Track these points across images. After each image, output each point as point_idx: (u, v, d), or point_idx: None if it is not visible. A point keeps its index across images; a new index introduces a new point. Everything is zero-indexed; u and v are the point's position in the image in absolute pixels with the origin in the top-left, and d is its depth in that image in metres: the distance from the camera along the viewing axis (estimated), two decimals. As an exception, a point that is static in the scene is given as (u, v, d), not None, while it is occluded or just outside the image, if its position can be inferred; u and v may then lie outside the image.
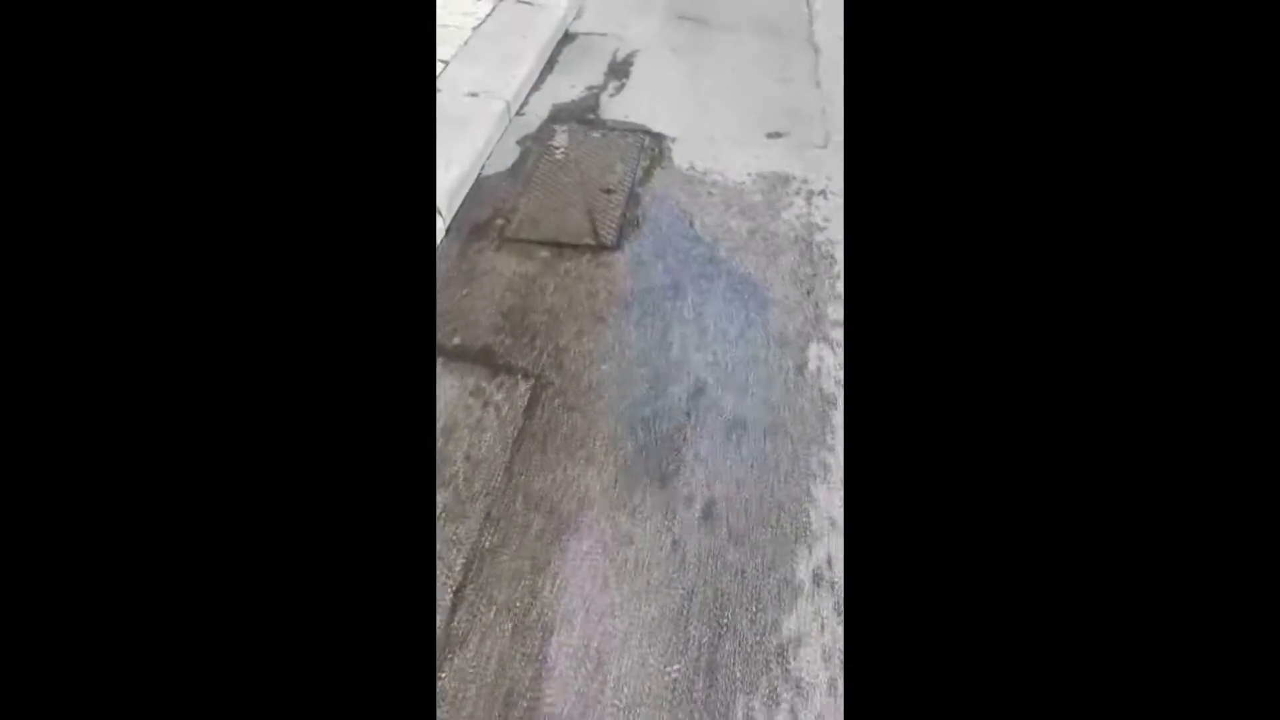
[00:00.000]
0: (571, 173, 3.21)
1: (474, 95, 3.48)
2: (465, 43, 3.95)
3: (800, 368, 2.37)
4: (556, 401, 2.24)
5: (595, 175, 3.20)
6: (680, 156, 3.36)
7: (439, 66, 3.71)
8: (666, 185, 3.16)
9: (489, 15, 4.26)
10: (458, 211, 2.97)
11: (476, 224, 2.94)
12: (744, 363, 2.37)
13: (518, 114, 3.62)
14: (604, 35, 4.39)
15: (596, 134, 3.50)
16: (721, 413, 2.21)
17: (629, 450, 2.09)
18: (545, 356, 2.37)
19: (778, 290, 2.64)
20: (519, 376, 2.31)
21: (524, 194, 3.07)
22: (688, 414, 2.20)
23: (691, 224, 2.96)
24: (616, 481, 2.01)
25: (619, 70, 4.02)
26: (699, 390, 2.28)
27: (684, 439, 2.13)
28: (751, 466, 2.05)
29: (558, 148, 3.39)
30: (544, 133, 3.48)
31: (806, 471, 2.05)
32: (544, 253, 2.80)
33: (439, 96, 3.43)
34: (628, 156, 3.35)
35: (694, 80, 3.93)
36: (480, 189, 3.11)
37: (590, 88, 3.86)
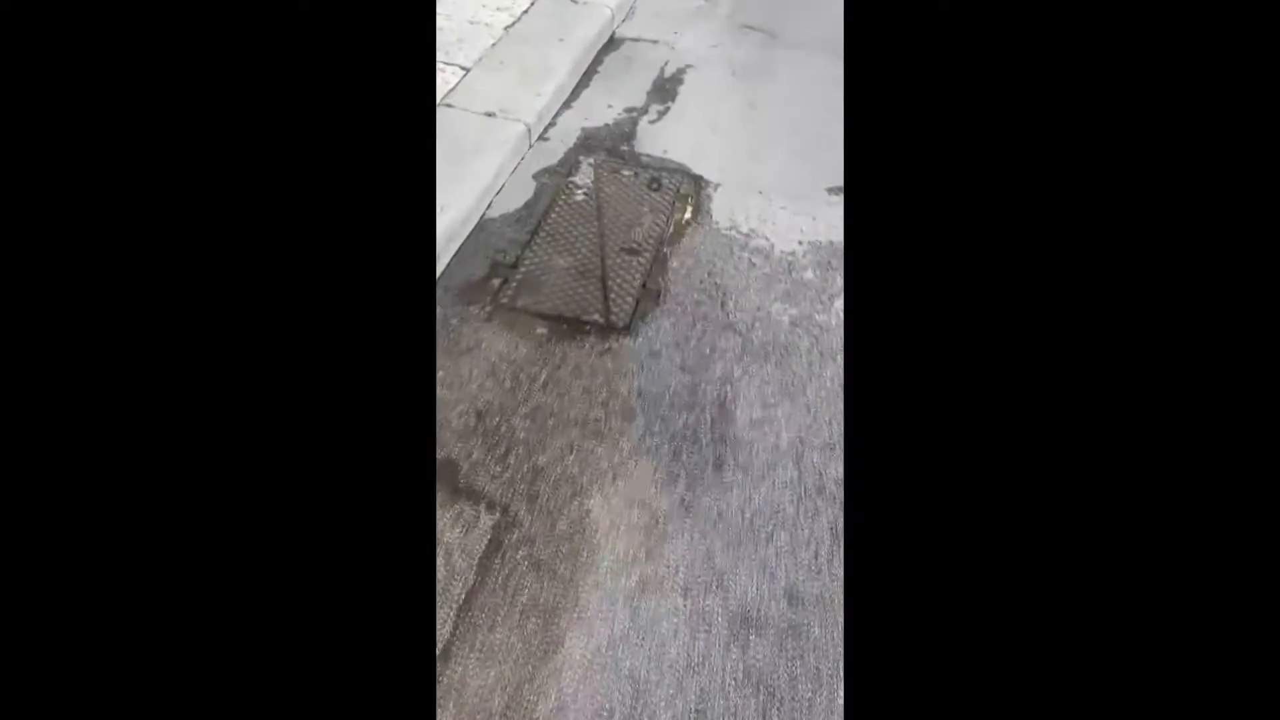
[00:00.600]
0: (590, 222, 2.73)
1: (490, 115, 3.01)
2: (494, 45, 3.47)
3: (838, 533, 1.87)
4: (521, 552, 1.80)
5: (618, 228, 2.70)
6: (722, 210, 2.84)
7: (457, 75, 3.25)
8: (700, 248, 2.64)
9: (526, 12, 3.76)
10: (449, 264, 2.53)
11: (469, 283, 2.49)
12: (767, 516, 1.89)
13: (540, 138, 3.14)
14: (654, 43, 3.85)
15: (628, 172, 3.00)
16: (727, 599, 1.73)
17: (609, 634, 1.64)
18: (519, 480, 1.94)
19: (820, 412, 2.12)
20: (482, 507, 1.88)
21: (531, 246, 2.61)
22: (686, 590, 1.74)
23: (723, 304, 2.46)
24: (592, 690, 1.56)
25: (665, 90, 3.48)
26: (708, 556, 1.78)
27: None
28: (757, 687, 1.59)
29: (579, 187, 2.91)
30: (567, 165, 2.99)
31: None
32: (541, 329, 2.34)
33: (450, 114, 2.98)
34: (660, 206, 2.84)
35: (749, 111, 3.37)
36: (481, 235, 2.65)
37: (629, 109, 3.34)
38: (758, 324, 2.39)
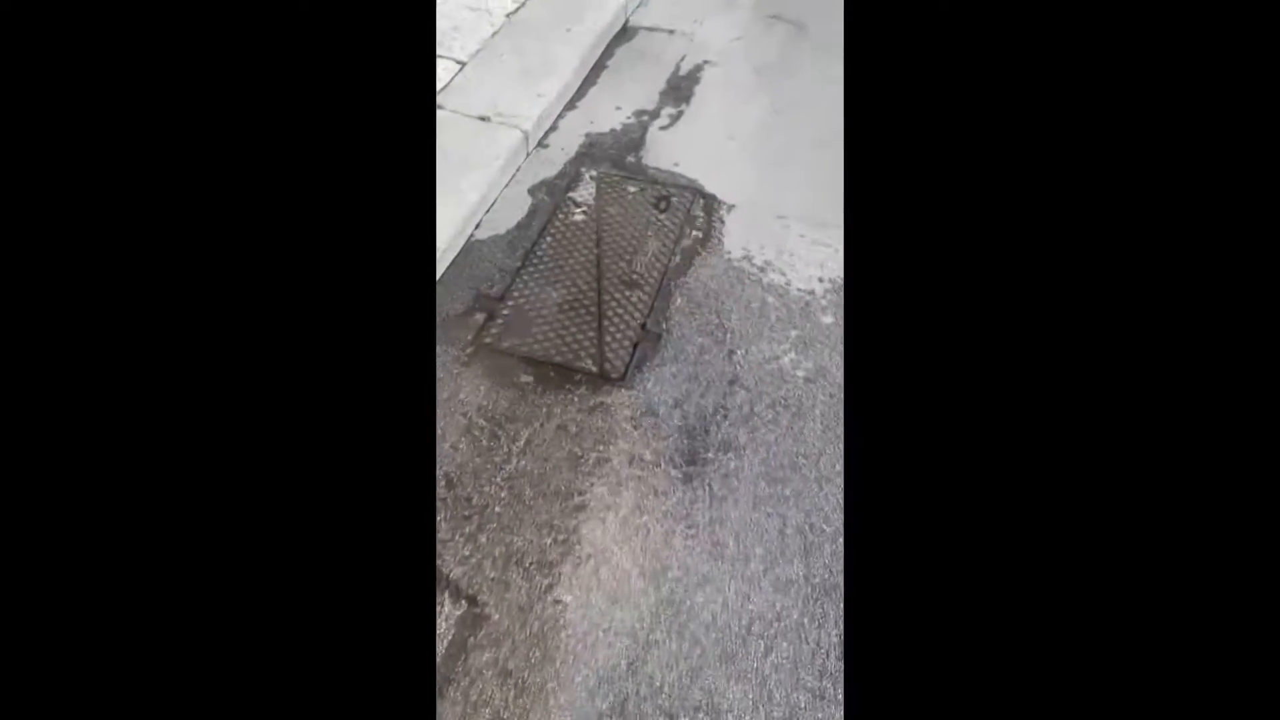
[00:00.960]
0: (589, 247, 2.46)
1: (485, 120, 2.74)
2: (493, 34, 3.17)
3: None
4: (487, 655, 1.59)
5: (619, 255, 2.43)
6: (735, 237, 2.56)
7: (451, 70, 2.96)
8: (709, 282, 2.37)
9: (532, -5, 3.46)
10: (430, 294, 2.31)
11: (449, 318, 2.24)
12: (768, 621, 1.65)
13: (540, 144, 2.86)
14: (671, 33, 3.52)
15: (633, 188, 2.72)
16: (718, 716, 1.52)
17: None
18: (489, 565, 1.73)
19: (832, 491, 1.87)
20: (445, 594, 1.67)
21: (521, 275, 2.36)
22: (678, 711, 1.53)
23: (731, 353, 2.21)
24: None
25: (680, 90, 3.17)
26: (696, 671, 1.57)
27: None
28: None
29: (579, 205, 2.64)
30: (567, 178, 2.71)
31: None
32: (527, 376, 2.11)
33: (441, 118, 2.70)
34: (666, 229, 2.57)
35: (772, 118, 3.04)
36: (466, 261, 2.39)
37: (639, 113, 3.05)
38: (768, 379, 2.14)
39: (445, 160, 2.52)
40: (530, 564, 1.72)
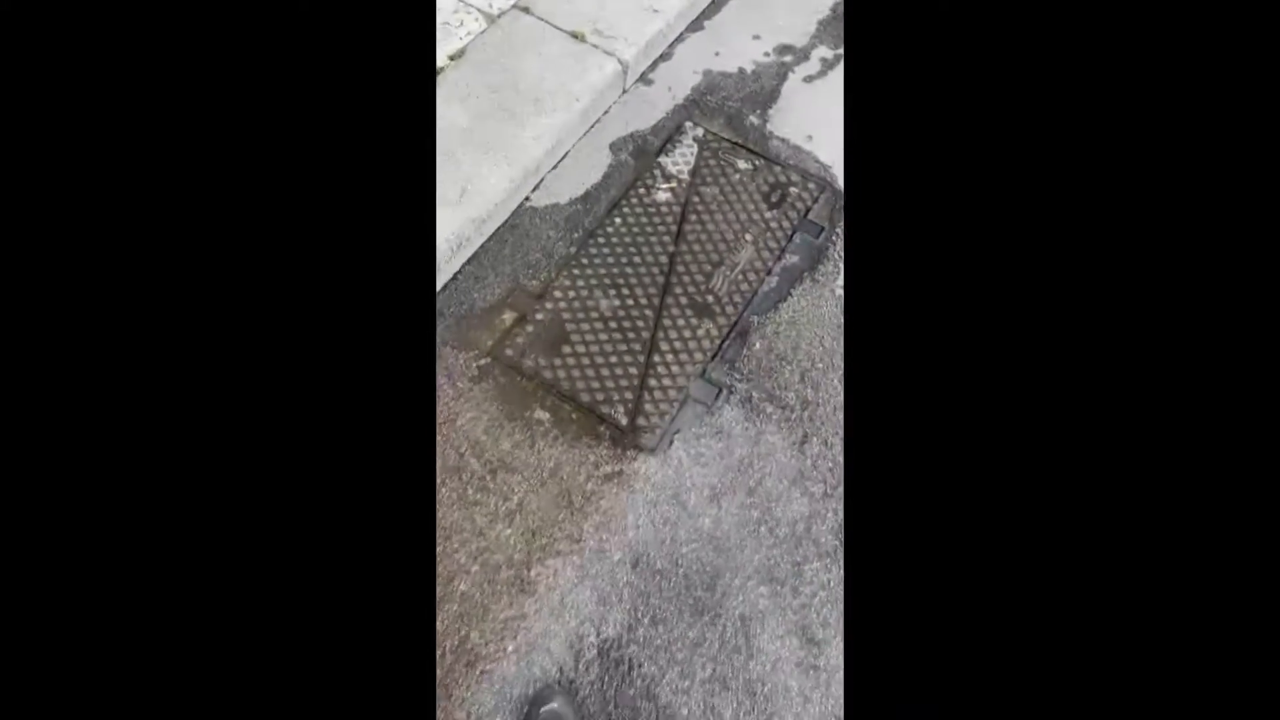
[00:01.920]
0: (664, 242, 1.90)
1: (577, 38, 2.14)
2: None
3: None
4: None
5: (699, 261, 1.87)
6: (860, 260, 1.95)
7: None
8: (804, 328, 1.79)
9: None
10: (456, 274, 1.88)
11: (471, 311, 1.82)
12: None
13: (641, 80, 2.24)
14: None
15: (744, 165, 2.09)
16: None
17: None
18: (448, 658, 1.45)
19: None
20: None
21: (572, 266, 1.87)
22: None
23: (805, 440, 1.69)
24: None
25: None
26: None
27: None
28: None
29: (668, 178, 2.05)
30: (663, 133, 2.10)
31: None
32: (542, 412, 1.71)
33: (521, 26, 2.10)
34: (772, 235, 1.95)
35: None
36: (512, 234, 1.92)
37: (783, 50, 2.31)
38: (844, 489, 1.65)
39: (511, 94, 1.99)
40: (484, 669, 1.44)
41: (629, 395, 1.71)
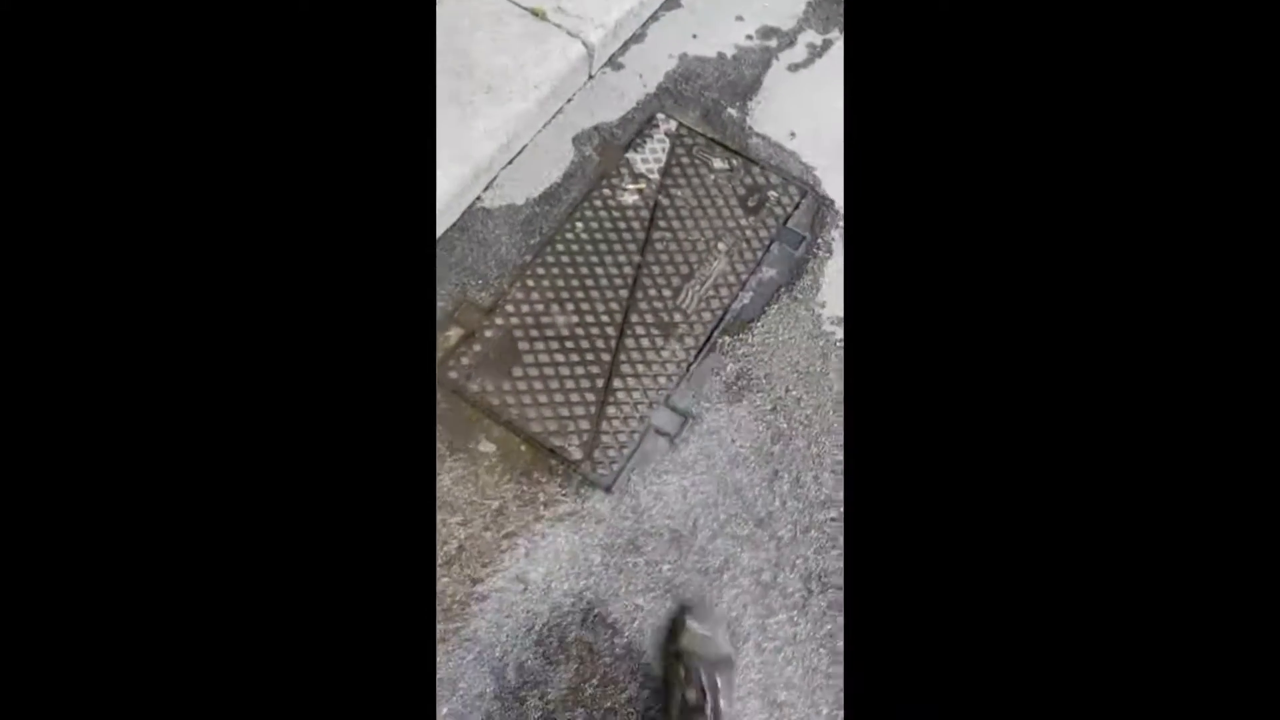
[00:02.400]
0: (630, 250, 1.72)
1: (538, 15, 1.93)
2: None
3: None
4: None
5: (666, 273, 1.70)
6: (842, 283, 1.79)
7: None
8: (780, 351, 1.64)
9: None
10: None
11: (416, 324, 1.69)
12: None
13: (610, 64, 2.04)
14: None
15: (719, 164, 1.91)
16: None
17: None
18: None
19: None
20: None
21: (527, 276, 1.68)
22: None
23: (775, 476, 1.55)
24: None
25: (836, 15, 2.18)
26: None
27: None
28: None
29: (637, 177, 1.86)
30: (633, 126, 1.90)
31: None
32: (489, 443, 1.54)
33: (473, 2, 1.92)
34: (745, 247, 1.77)
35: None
36: (462, 238, 1.72)
37: (767, 34, 2.10)
38: (815, 531, 1.52)
39: (465, 78, 1.78)
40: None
41: (585, 425, 1.57)
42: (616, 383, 1.61)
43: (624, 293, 1.71)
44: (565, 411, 1.58)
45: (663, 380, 1.62)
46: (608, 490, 1.50)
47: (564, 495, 1.49)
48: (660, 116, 1.95)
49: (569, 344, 1.64)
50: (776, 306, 1.72)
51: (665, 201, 1.83)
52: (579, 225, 1.78)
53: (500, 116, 1.76)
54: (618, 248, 1.77)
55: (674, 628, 1.36)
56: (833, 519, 1.50)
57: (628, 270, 1.74)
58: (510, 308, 1.67)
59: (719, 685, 1.27)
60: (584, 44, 1.89)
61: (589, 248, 1.76)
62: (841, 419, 1.59)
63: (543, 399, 1.58)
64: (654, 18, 2.09)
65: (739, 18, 2.12)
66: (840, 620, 1.40)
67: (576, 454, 1.53)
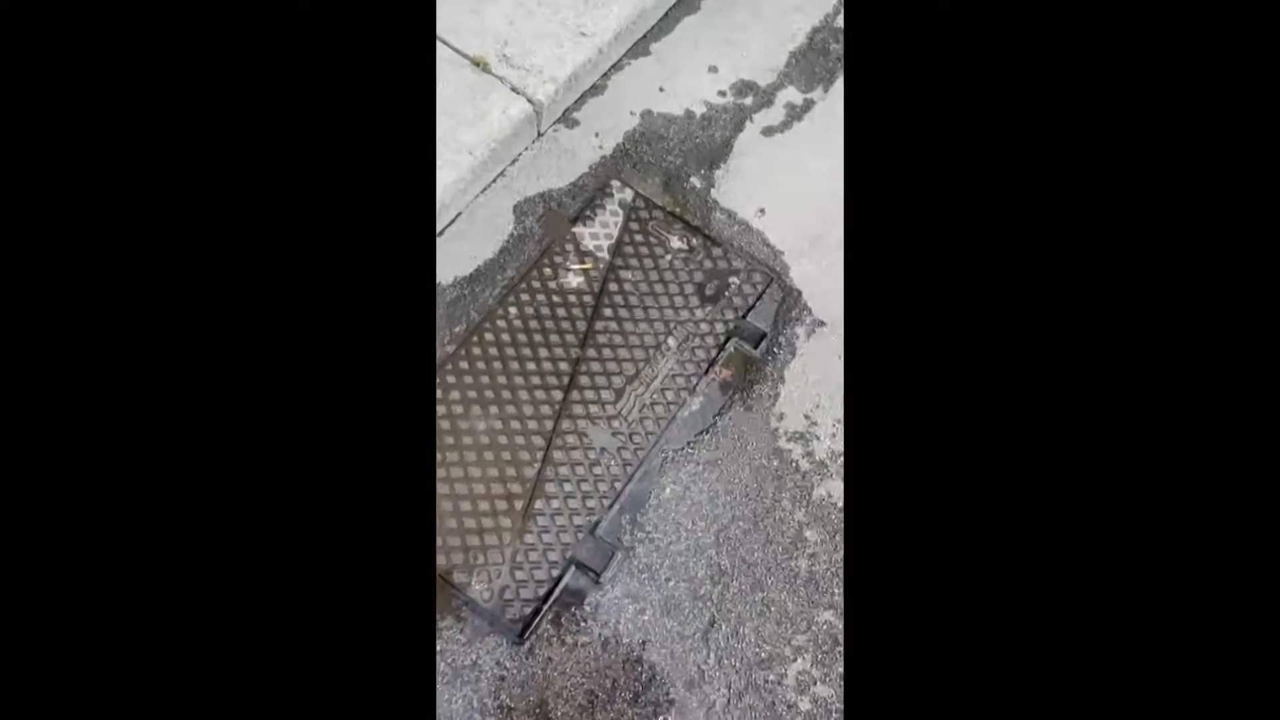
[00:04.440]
0: (566, 346, 1.51)
1: (480, 67, 1.72)
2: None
3: None
4: None
5: (606, 376, 1.50)
6: (803, 393, 1.53)
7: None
8: (728, 471, 1.44)
9: None
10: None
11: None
12: None
13: (562, 121, 1.81)
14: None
15: (677, 242, 1.69)
16: None
17: None
18: None
19: None
20: None
21: (443, 377, 1.47)
22: None
23: (712, 625, 1.34)
24: None
25: (826, 58, 1.94)
26: None
27: None
28: None
29: (581, 261, 1.65)
30: (584, 195, 1.68)
31: None
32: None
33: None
34: (698, 344, 1.55)
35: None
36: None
37: (742, 90, 1.87)
38: (752, 696, 1.32)
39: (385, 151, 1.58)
40: None
41: (496, 559, 1.37)
42: (538, 504, 1.42)
43: (558, 394, 1.52)
44: (476, 540, 1.38)
45: (592, 503, 1.43)
46: (518, 641, 1.31)
47: (463, 644, 1.30)
48: (615, 184, 1.74)
49: (488, 455, 1.45)
50: (729, 417, 1.51)
51: (614, 286, 1.63)
52: (513, 311, 1.58)
53: (439, 181, 1.56)
54: (555, 339, 1.57)
55: None
56: (779, 686, 1.31)
57: (564, 366, 1.54)
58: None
59: None
60: (529, 101, 1.67)
61: (522, 338, 1.56)
62: (793, 560, 1.39)
63: (452, 523, 1.39)
64: (617, 66, 1.88)
65: (712, 68, 1.89)
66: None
67: (484, 595, 1.33)
